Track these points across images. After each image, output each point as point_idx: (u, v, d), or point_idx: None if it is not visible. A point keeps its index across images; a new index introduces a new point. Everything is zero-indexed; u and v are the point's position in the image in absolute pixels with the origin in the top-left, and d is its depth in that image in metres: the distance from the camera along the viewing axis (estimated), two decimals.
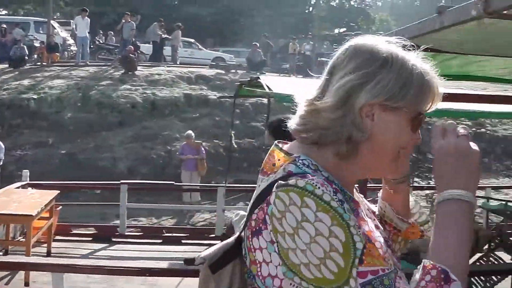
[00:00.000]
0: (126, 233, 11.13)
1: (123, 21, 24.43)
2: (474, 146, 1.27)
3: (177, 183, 12.96)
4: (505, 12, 2.39)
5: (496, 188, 14.81)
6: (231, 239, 1.39)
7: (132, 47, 22.21)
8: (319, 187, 1.17)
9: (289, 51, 29.85)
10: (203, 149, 14.17)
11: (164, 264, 6.63)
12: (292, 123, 1.38)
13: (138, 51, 22.99)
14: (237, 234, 1.39)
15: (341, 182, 1.29)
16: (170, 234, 11.51)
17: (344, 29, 52.88)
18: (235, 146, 14.46)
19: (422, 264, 1.18)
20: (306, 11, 52.00)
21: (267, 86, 7.84)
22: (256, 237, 1.27)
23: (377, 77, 1.28)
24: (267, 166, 1.37)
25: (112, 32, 28.18)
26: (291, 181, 1.20)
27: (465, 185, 1.24)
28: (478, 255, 6.84)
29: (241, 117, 17.95)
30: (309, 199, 1.16)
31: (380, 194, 1.65)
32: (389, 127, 1.31)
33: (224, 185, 12.03)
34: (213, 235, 11.21)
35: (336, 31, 53.69)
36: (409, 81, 1.29)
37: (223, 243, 1.40)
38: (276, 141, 1.42)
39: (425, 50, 1.37)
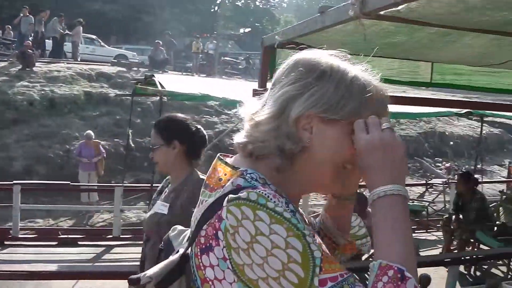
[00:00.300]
0: (20, 236, 10.83)
1: (21, 15, 23.60)
2: (398, 138, 1.26)
3: (74, 183, 12.71)
4: (381, 13, 2.47)
5: None
6: (175, 257, 1.35)
7: (30, 42, 21.46)
8: (271, 199, 1.15)
9: (192, 50, 29.83)
10: (102, 148, 13.96)
11: (55, 267, 6.53)
12: (237, 137, 1.35)
13: (35, 47, 22.16)
14: (181, 251, 1.35)
15: (287, 196, 1.25)
16: (66, 236, 11.29)
17: (249, 29, 53.42)
18: (132, 145, 14.34)
19: (378, 263, 1.16)
20: (212, 10, 52.04)
21: (160, 84, 7.97)
22: (206, 254, 1.21)
23: (313, 88, 1.27)
24: (212, 181, 1.34)
25: (9, 27, 27.15)
26: (243, 195, 1.16)
27: (396, 178, 1.23)
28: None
29: (142, 116, 17.81)
30: (262, 212, 1.13)
31: (323, 206, 1.62)
32: (328, 139, 1.27)
33: (121, 185, 11.96)
34: (111, 236, 11.12)
35: (241, 30, 54.14)
36: (348, 93, 1.27)
37: (168, 261, 1.36)
38: (218, 154, 1.39)
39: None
